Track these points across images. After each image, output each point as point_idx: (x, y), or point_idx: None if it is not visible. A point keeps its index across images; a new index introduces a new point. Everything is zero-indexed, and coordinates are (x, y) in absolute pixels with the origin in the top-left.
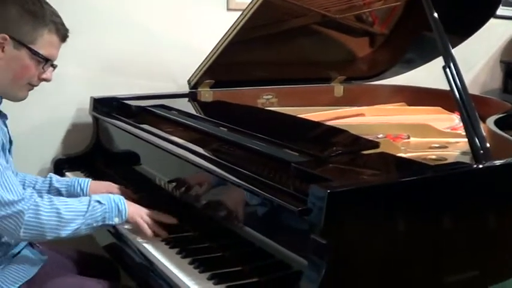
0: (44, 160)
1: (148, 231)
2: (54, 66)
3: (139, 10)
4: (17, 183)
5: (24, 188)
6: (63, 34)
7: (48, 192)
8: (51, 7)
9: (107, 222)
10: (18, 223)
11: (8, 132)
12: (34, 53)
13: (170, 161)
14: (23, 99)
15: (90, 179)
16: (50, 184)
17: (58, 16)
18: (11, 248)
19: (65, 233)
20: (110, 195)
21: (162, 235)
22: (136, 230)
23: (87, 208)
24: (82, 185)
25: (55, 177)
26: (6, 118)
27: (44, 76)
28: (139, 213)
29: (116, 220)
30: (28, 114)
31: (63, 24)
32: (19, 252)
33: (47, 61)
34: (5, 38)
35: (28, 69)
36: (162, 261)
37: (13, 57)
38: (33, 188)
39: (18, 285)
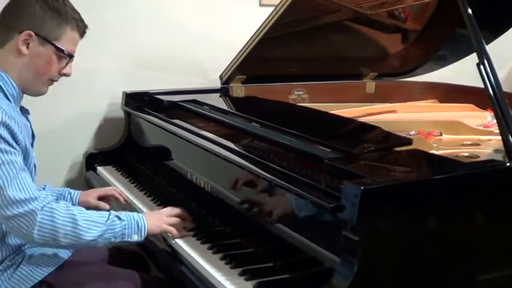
0: (75, 154)
1: (175, 233)
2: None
3: (172, 5)
4: (32, 184)
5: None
6: (82, 30)
7: None
8: (70, 3)
9: (125, 239)
10: (31, 223)
11: (31, 126)
12: (59, 49)
13: (202, 156)
14: (43, 94)
15: (81, 191)
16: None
17: (77, 12)
18: None
19: (81, 242)
20: (129, 212)
21: (189, 227)
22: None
23: (106, 221)
24: (72, 194)
25: (48, 186)
26: (28, 113)
27: (64, 71)
28: (159, 226)
29: (135, 237)
30: (60, 109)
31: (82, 21)
32: None
33: (70, 57)
34: (31, 34)
35: (51, 65)
36: (193, 256)
37: (38, 53)
38: None
39: (46, 273)
